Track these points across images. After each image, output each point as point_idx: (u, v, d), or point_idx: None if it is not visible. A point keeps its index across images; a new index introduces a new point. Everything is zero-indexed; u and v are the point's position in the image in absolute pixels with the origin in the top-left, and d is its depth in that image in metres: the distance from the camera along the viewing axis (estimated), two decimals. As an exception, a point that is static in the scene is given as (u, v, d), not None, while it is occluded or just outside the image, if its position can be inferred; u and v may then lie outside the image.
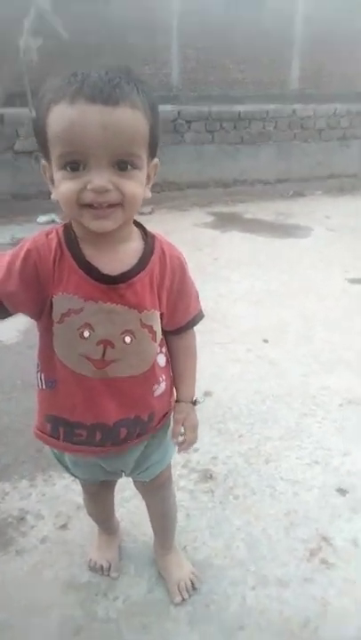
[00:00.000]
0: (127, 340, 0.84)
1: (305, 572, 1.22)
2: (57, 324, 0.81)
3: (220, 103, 5.34)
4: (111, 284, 0.80)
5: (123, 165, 0.70)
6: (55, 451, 1.01)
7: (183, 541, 1.31)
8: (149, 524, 1.36)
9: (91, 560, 1.24)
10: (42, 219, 4.43)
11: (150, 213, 4.58)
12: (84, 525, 1.36)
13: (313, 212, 4.77)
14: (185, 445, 1.02)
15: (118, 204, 0.72)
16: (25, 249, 0.78)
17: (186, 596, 1.17)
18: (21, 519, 1.39)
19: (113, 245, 0.80)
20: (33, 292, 0.79)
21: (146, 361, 0.89)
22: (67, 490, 1.48)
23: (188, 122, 4.88)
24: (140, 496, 1.44)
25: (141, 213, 0.86)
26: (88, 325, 0.81)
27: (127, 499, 1.43)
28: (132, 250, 0.83)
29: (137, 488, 1.18)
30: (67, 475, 1.53)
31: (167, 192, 4.96)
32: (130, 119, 0.68)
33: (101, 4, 9.61)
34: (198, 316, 0.97)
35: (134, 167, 0.72)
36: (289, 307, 2.73)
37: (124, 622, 1.13)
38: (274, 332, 2.44)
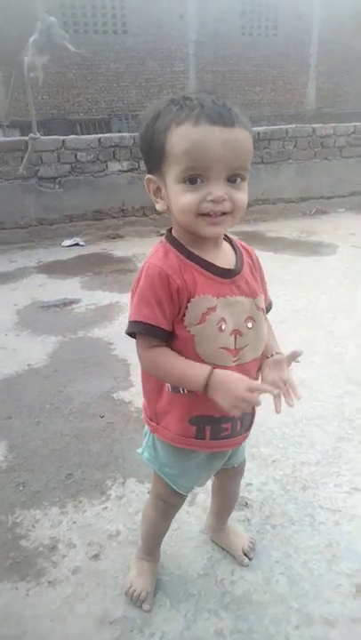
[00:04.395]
0: (250, 325, 0.92)
1: (352, 611, 1.14)
2: (197, 325, 0.87)
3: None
4: (229, 278, 0.91)
5: (233, 178, 0.82)
6: (163, 465, 1.05)
7: (220, 574, 1.25)
8: (184, 556, 1.31)
9: (132, 586, 1.19)
10: (66, 242, 4.51)
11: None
12: (117, 556, 1.31)
13: (337, 229, 4.72)
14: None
15: (229, 213, 0.83)
16: (161, 277, 0.85)
17: (252, 556, 1.29)
18: (52, 548, 1.35)
19: (215, 246, 0.92)
20: (176, 309, 0.87)
21: (263, 340, 0.97)
22: (98, 518, 1.44)
23: (208, 144, 4.94)
24: (173, 526, 1.39)
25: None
26: (223, 319, 0.89)
27: (160, 528, 1.39)
28: (226, 248, 0.95)
29: (219, 477, 1.22)
30: (97, 502, 1.50)
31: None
32: (243, 138, 0.80)
33: (120, 33, 9.96)
34: (272, 303, 1.07)
35: (242, 179, 0.83)
36: (317, 326, 2.67)
37: (161, 662, 1.07)
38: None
